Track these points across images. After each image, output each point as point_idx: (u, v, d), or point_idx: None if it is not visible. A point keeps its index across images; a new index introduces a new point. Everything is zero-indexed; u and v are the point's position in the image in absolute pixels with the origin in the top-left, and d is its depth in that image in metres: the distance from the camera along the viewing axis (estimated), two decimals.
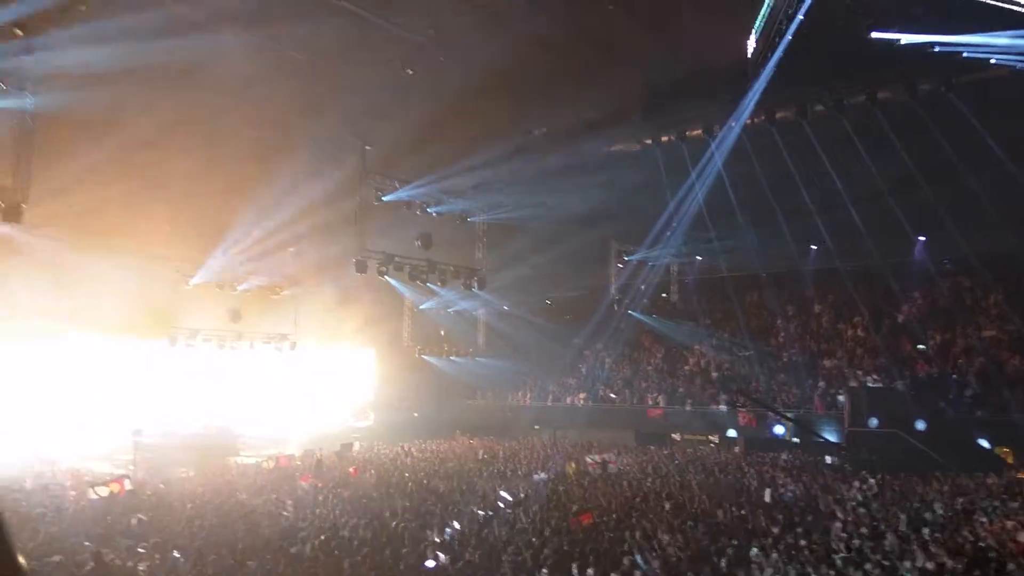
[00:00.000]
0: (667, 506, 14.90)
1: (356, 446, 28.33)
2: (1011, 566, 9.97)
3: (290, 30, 19.81)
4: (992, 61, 20.25)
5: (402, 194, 28.43)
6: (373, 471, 21.64)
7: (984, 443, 22.60)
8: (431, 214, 29.98)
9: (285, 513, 14.35)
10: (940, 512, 13.85)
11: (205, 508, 15.37)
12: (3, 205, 18.51)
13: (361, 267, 27.22)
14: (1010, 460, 22.39)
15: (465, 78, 21.83)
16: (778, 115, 25.18)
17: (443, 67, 22.20)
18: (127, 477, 18.45)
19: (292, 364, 32.91)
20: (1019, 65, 19.47)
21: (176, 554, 11.23)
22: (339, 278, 30.48)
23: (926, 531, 12.11)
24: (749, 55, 23.31)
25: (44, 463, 21.68)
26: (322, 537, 12.46)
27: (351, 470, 18.89)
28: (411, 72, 22.57)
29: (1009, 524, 12.31)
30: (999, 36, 18.83)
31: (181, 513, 14.90)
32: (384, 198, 28.10)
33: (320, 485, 18.29)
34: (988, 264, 27.49)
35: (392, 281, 30.69)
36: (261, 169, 23.82)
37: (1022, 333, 26.25)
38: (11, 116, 18.88)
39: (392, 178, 28.29)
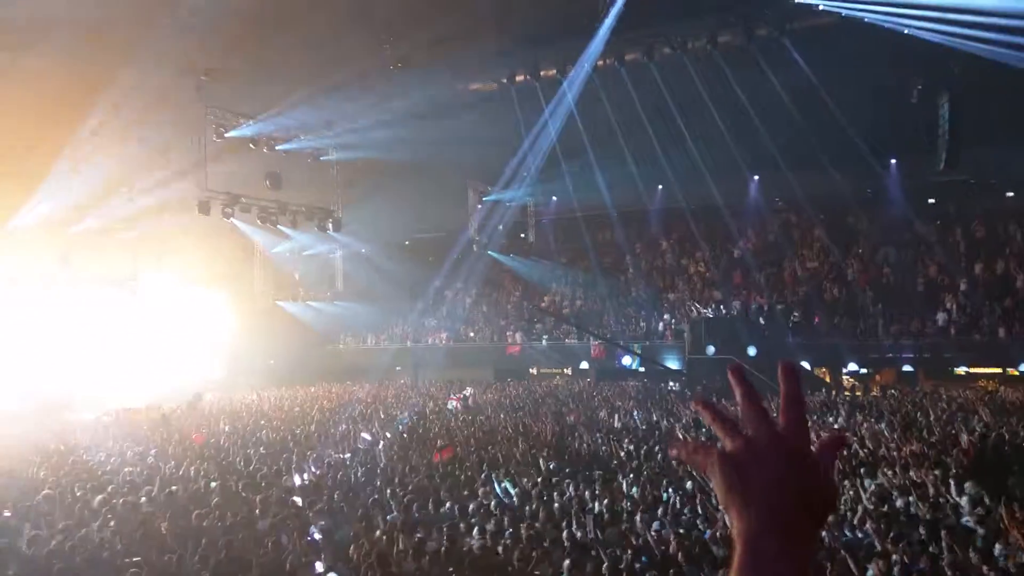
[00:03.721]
0: (521, 439, 15.44)
1: (208, 397, 27.22)
2: None
3: None
4: (820, 7, 21.45)
5: (247, 130, 26.80)
6: (226, 421, 20.94)
7: (806, 365, 24.99)
8: (280, 152, 28.56)
9: (128, 469, 13.63)
10: None
11: (38, 468, 14.32)
12: None
13: (204, 208, 25.60)
14: (827, 379, 24.97)
15: (316, 3, 20.66)
16: (627, 57, 25.71)
17: None
18: None
19: (134, 312, 30.94)
20: (844, 12, 20.64)
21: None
22: (181, 220, 28.64)
23: None
24: None
25: None
26: (171, 488, 11.99)
27: (194, 436, 17.93)
28: None
29: (824, 436, 13.70)
30: None
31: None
32: (227, 134, 26.41)
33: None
34: (813, 202, 29.84)
35: (239, 223, 29.19)
36: (84, 101, 21.67)
37: (840, 265, 28.94)
38: None
39: (235, 112, 26.57)
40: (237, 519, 10.17)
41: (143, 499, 11.26)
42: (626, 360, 28.07)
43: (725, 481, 0.98)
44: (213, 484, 12.20)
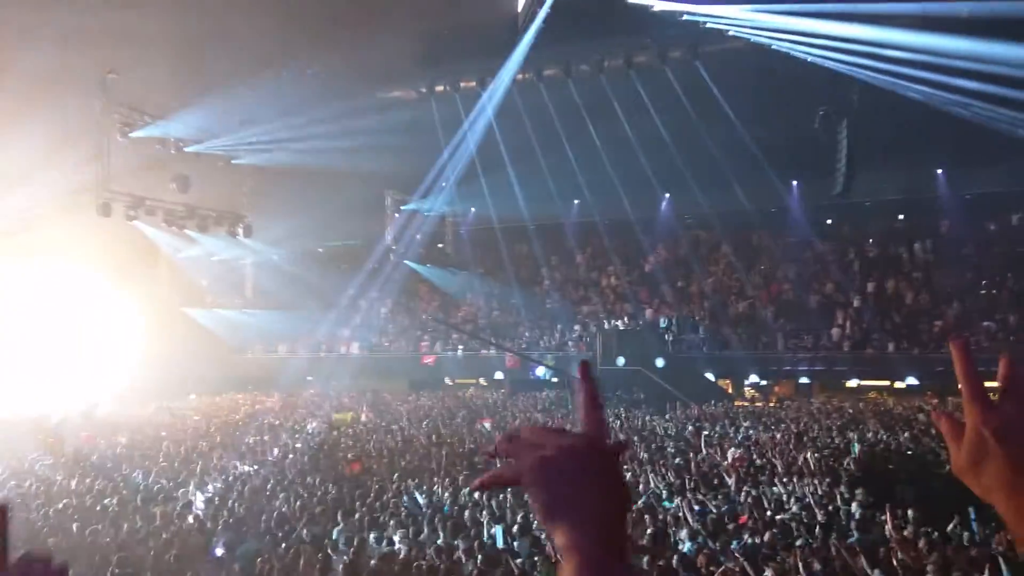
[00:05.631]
0: (435, 449, 15.39)
1: (103, 408, 25.87)
2: (728, 480, 11.56)
3: None
4: (729, 33, 22.35)
5: (154, 130, 25.82)
6: (123, 433, 19.98)
7: (710, 376, 25.91)
8: (189, 154, 27.60)
9: (13, 483, 12.87)
10: (672, 436, 15.72)
11: None
12: None
13: (105, 210, 24.46)
14: (730, 390, 25.99)
15: (229, 3, 20.18)
16: (546, 72, 26.10)
17: None
18: None
19: (28, 318, 29.23)
20: (752, 38, 21.56)
21: None
22: (82, 222, 27.21)
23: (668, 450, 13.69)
24: (520, 9, 23.92)
25: None
26: (63, 502, 11.39)
27: (83, 435, 17.02)
28: None
29: (725, 444, 14.26)
30: (737, 7, 20.61)
31: None
32: (132, 134, 25.37)
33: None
34: (720, 219, 31.00)
35: (143, 227, 28.03)
36: None
37: (744, 280, 30.18)
38: None
39: (142, 112, 25.56)
40: (133, 535, 9.76)
41: (33, 515, 10.66)
42: (540, 371, 28.39)
43: (550, 490, 0.91)
44: (107, 499, 11.65)
